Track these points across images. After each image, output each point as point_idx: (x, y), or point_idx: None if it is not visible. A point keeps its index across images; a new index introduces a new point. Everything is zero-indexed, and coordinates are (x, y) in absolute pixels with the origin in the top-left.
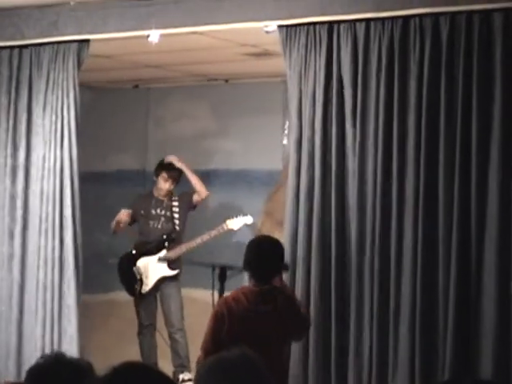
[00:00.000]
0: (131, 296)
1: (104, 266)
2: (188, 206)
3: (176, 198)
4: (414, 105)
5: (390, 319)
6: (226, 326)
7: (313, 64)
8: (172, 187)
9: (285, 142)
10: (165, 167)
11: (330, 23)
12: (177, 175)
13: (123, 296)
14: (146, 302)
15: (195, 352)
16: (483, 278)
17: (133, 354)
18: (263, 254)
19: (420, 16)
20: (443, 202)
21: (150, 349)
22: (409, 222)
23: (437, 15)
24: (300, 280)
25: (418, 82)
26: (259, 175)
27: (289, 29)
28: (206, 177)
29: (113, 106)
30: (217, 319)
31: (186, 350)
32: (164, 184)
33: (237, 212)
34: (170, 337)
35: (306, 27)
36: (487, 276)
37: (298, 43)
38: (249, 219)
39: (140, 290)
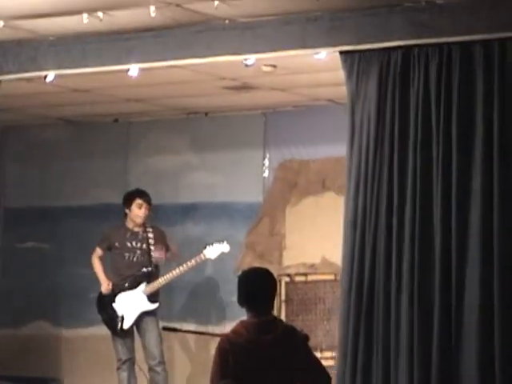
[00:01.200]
0: (112, 332)
1: (84, 300)
2: (164, 246)
3: (151, 230)
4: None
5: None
6: (231, 359)
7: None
8: (148, 213)
9: (265, 174)
10: (136, 193)
11: (385, 49)
12: (150, 199)
13: (105, 330)
14: (125, 337)
15: None
16: None
17: None
18: (257, 286)
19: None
20: None
21: (130, 382)
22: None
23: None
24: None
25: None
26: (240, 208)
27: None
28: (187, 210)
29: (93, 140)
30: (220, 354)
31: (166, 383)
32: (139, 210)
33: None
34: (151, 370)
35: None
36: None
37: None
38: (225, 247)
39: (122, 326)
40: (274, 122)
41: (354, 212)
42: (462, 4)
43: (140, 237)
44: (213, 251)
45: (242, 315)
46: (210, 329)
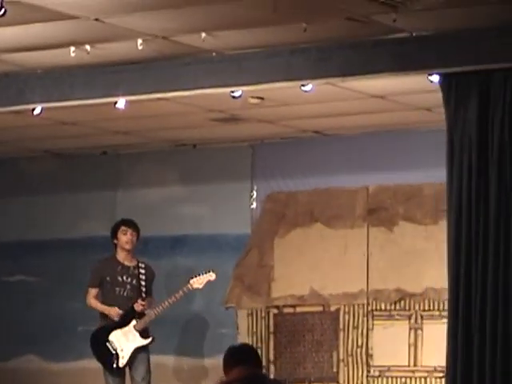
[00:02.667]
0: (107, 370)
1: (75, 333)
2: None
3: (143, 266)
4: None
5: None
6: None
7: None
8: (135, 237)
9: (253, 206)
10: (121, 222)
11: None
12: (135, 225)
13: (94, 364)
14: (118, 374)
15: None
16: None
17: None
18: (246, 347)
19: None
20: None
21: None
22: None
23: None
24: None
25: None
26: (228, 240)
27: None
28: (175, 242)
29: (81, 172)
30: None
31: None
32: (125, 237)
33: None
34: None
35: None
36: None
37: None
38: (212, 275)
39: (118, 364)
40: (262, 153)
41: (458, 237)
42: (448, 36)
43: (131, 272)
44: (199, 281)
45: None
46: (200, 361)
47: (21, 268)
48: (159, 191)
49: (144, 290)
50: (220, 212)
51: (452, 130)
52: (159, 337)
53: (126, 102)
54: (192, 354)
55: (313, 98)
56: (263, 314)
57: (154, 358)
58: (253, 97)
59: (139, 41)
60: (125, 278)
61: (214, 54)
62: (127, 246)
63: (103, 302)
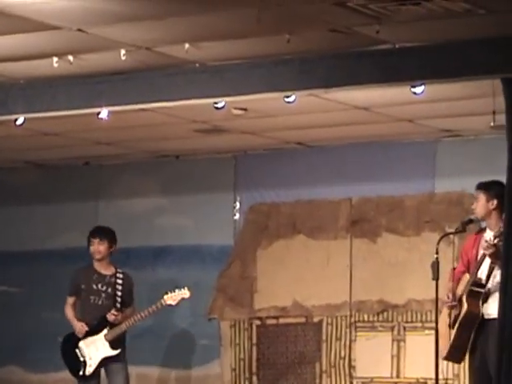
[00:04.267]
0: (75, 378)
1: (54, 344)
2: (130, 296)
3: (121, 276)
4: None
5: None
6: None
7: None
8: (105, 245)
9: (236, 217)
10: (90, 232)
11: None
12: (103, 234)
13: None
14: (86, 381)
15: None
16: None
17: None
18: None
19: None
20: None
21: None
22: None
23: None
24: None
25: None
26: (211, 251)
27: None
28: (158, 253)
29: (63, 183)
30: None
31: None
32: (92, 247)
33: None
34: None
35: None
36: None
37: None
38: (186, 293)
39: (84, 371)
40: (245, 164)
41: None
42: (431, 48)
43: (107, 280)
44: (173, 297)
45: (213, 358)
46: (183, 372)
47: (2, 279)
48: (142, 202)
49: (119, 299)
50: (203, 223)
51: None
52: (142, 348)
53: (109, 112)
54: (175, 365)
55: (296, 109)
56: (246, 326)
57: (137, 370)
58: (236, 108)
59: (122, 51)
60: (100, 286)
61: (197, 65)
62: (96, 256)
63: (79, 311)
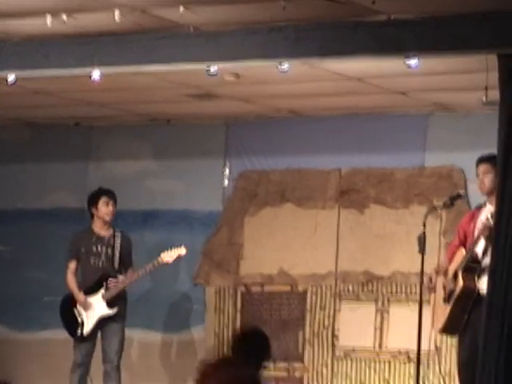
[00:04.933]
0: (73, 337)
1: (41, 304)
2: (129, 256)
3: (119, 235)
4: None
5: None
6: None
7: None
8: (114, 209)
9: (225, 184)
10: (102, 192)
11: None
12: (115, 196)
13: (60, 334)
14: (85, 342)
15: None
16: None
17: None
18: None
19: None
20: None
21: None
22: None
23: None
24: None
25: None
26: (199, 216)
27: None
28: (146, 217)
29: (53, 143)
30: None
31: None
32: (106, 208)
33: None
34: (106, 373)
35: None
36: None
37: None
38: (182, 250)
39: (82, 331)
40: (236, 131)
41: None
42: (427, 20)
43: (106, 242)
44: (170, 255)
45: (198, 323)
46: (167, 336)
47: None
48: (131, 165)
49: (118, 260)
50: (192, 188)
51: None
52: (127, 311)
53: (101, 73)
54: (159, 329)
55: (289, 77)
56: (231, 292)
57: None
58: (229, 74)
59: (117, 12)
60: (99, 248)
61: (191, 29)
62: (107, 218)
63: (81, 273)
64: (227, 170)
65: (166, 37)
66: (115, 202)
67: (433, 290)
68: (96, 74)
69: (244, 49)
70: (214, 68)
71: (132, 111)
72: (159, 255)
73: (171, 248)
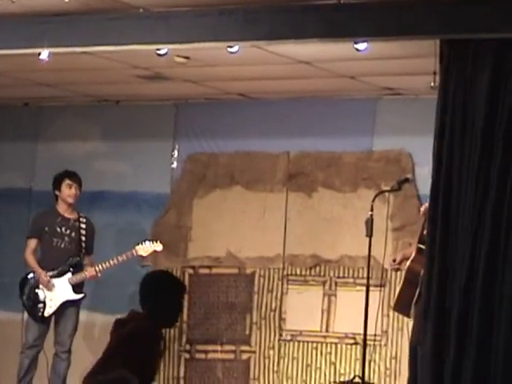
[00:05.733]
0: (31, 317)
1: None
2: (91, 243)
3: (84, 221)
4: None
5: None
6: None
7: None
8: (78, 192)
9: (174, 165)
10: (65, 174)
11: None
12: (80, 179)
13: (11, 315)
14: (43, 324)
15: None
16: None
17: (12, 373)
18: None
19: None
20: None
21: (29, 369)
22: None
23: None
24: None
25: None
26: (147, 198)
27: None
28: (94, 198)
29: (2, 123)
30: None
31: (66, 372)
32: (69, 190)
33: (124, 234)
34: (56, 356)
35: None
36: None
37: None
38: (158, 246)
39: (43, 312)
40: (185, 113)
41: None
42: (376, 5)
43: (70, 224)
44: (145, 249)
45: None
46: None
47: None
48: (80, 146)
49: (84, 244)
50: (140, 170)
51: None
52: None
53: (50, 53)
54: (105, 311)
55: (239, 60)
56: (179, 274)
57: None
58: (179, 56)
59: None
60: (63, 229)
61: (141, 10)
62: (70, 200)
63: (42, 253)
64: (176, 152)
65: (116, 18)
66: (79, 185)
67: (397, 270)
68: (45, 53)
69: (194, 31)
70: (163, 49)
71: (81, 92)
72: (134, 247)
73: (147, 241)
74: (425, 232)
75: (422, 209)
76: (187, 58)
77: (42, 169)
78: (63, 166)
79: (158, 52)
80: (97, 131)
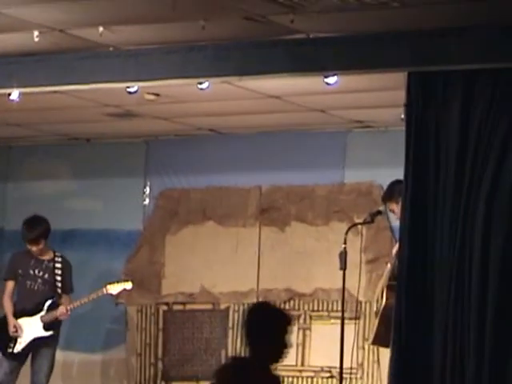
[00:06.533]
0: (2, 354)
1: None
2: (68, 281)
3: (60, 260)
4: None
5: None
6: None
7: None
8: (41, 245)
9: (146, 202)
10: (24, 236)
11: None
12: (34, 236)
13: None
14: (13, 361)
15: None
16: None
17: None
18: None
19: None
20: None
21: None
22: None
23: None
24: None
25: None
26: (120, 236)
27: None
28: (66, 236)
29: None
30: None
31: None
32: (34, 249)
33: (97, 272)
34: None
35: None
36: None
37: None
38: (128, 285)
39: (13, 348)
40: (156, 150)
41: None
42: (344, 38)
43: (44, 266)
44: (115, 288)
45: (119, 343)
46: (89, 356)
47: None
48: (51, 185)
49: (59, 285)
50: (112, 207)
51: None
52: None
53: (20, 93)
54: (81, 349)
55: (209, 96)
56: (153, 311)
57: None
58: (149, 93)
59: (35, 33)
60: (37, 271)
61: (111, 48)
62: (38, 253)
63: (16, 294)
64: (148, 189)
65: (86, 56)
66: (43, 238)
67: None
68: (15, 94)
69: (164, 68)
70: (134, 87)
71: (51, 131)
72: (105, 286)
73: (118, 280)
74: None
75: (394, 250)
76: (157, 94)
77: (12, 208)
78: (34, 204)
79: (129, 90)
80: (67, 169)
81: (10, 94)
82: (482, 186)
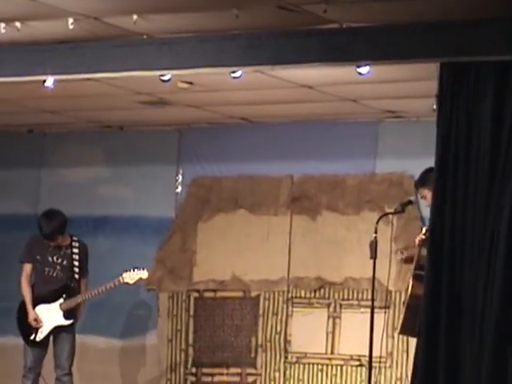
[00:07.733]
0: (25, 342)
1: None
2: (84, 267)
3: (77, 245)
4: None
5: None
6: None
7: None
8: (60, 239)
9: (178, 190)
10: (44, 236)
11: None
12: (53, 231)
13: (16, 340)
14: (37, 348)
15: None
16: None
17: None
18: None
19: None
20: None
21: None
22: None
23: None
24: None
25: None
26: (151, 223)
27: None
28: (98, 223)
29: (6, 149)
30: None
31: None
32: (49, 243)
33: (128, 259)
34: (58, 380)
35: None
36: None
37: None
38: (144, 273)
39: (35, 337)
40: (188, 138)
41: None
42: (378, 29)
43: (62, 252)
44: (131, 276)
45: (150, 329)
46: (119, 342)
47: None
48: (84, 172)
49: (77, 270)
50: (144, 195)
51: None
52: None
53: (55, 80)
54: (111, 335)
55: (242, 84)
56: (184, 298)
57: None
58: (182, 81)
59: (70, 20)
60: (55, 258)
61: (144, 36)
62: (52, 245)
63: (34, 280)
64: (180, 177)
65: (120, 44)
66: (57, 236)
67: (401, 261)
68: (49, 81)
69: (197, 56)
70: (167, 75)
71: (85, 118)
72: (121, 275)
73: (135, 269)
74: (421, 259)
75: (417, 240)
76: (190, 83)
77: (46, 195)
78: (67, 191)
79: (162, 78)
80: (100, 157)
81: (44, 81)
82: None
